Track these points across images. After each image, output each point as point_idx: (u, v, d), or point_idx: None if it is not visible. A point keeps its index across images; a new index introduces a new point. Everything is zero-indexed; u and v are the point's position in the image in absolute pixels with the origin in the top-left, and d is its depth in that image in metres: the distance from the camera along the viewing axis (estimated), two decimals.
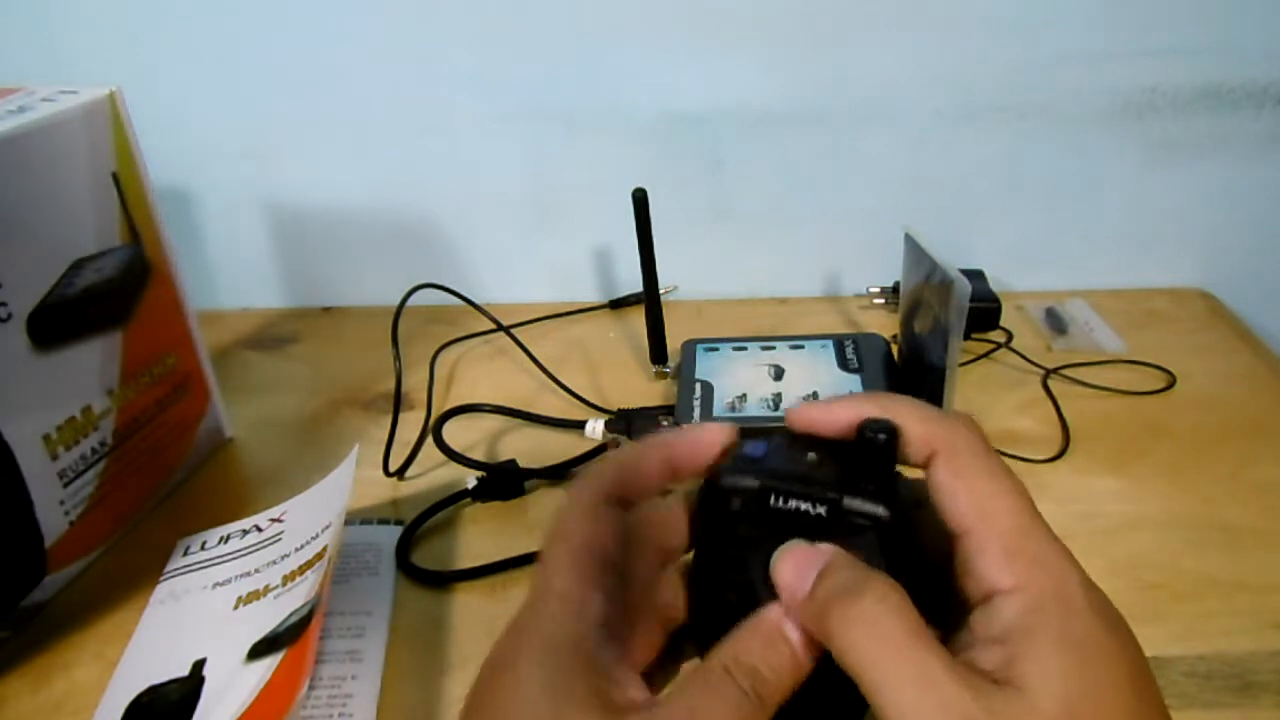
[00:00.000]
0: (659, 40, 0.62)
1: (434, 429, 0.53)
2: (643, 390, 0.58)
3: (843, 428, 0.29)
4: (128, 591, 0.44)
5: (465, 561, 0.45)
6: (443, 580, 0.44)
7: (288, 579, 0.42)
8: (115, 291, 0.46)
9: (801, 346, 0.56)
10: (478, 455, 0.52)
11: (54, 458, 0.42)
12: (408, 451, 0.52)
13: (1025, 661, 0.24)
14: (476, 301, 0.62)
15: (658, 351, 0.58)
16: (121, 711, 0.38)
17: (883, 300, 0.67)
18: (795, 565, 0.28)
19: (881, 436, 0.27)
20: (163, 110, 0.54)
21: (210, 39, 0.63)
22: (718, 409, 0.50)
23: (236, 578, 0.44)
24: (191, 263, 0.51)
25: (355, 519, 0.48)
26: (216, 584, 0.44)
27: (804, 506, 0.27)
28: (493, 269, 0.70)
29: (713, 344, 0.57)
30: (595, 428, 0.52)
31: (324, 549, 0.41)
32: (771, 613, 0.27)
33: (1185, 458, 0.50)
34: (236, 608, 0.42)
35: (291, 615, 0.39)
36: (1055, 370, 0.57)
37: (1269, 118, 0.62)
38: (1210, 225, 0.66)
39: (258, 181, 0.68)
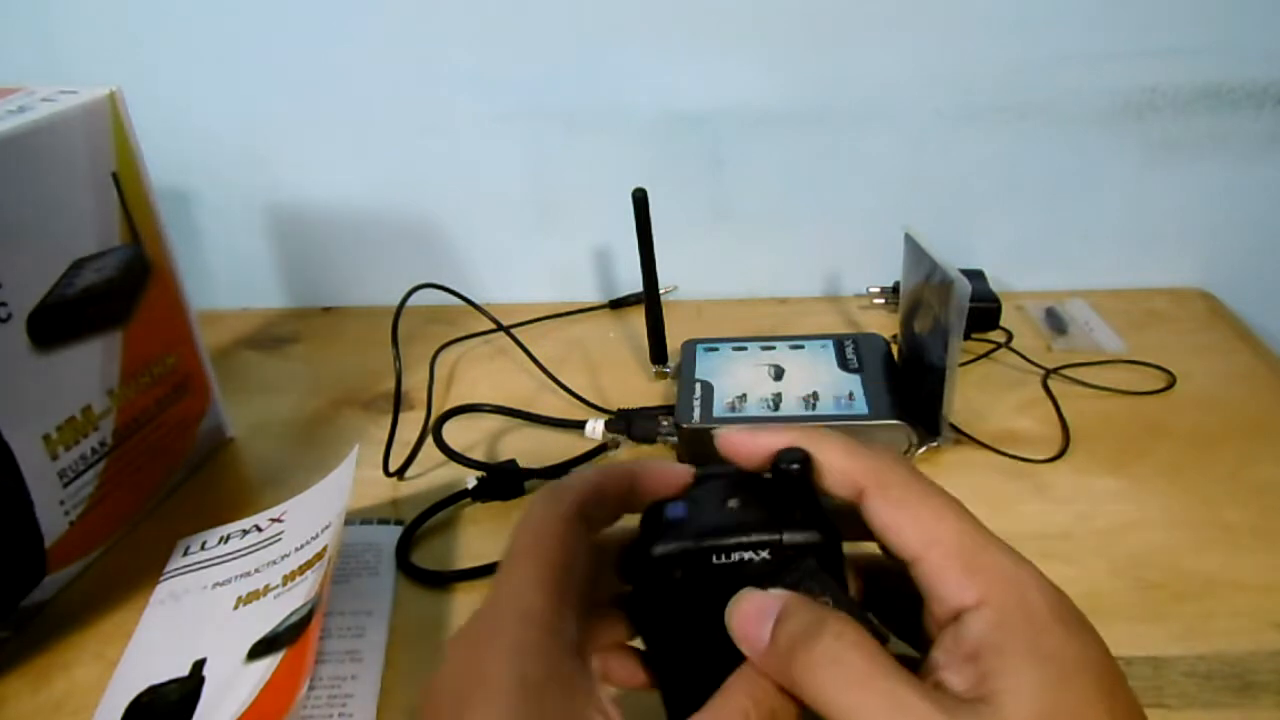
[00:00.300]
0: (659, 40, 0.62)
1: (434, 429, 0.53)
2: (643, 390, 0.58)
3: (764, 458, 0.29)
4: (128, 591, 0.44)
5: (465, 561, 0.45)
6: (443, 580, 0.44)
7: (288, 579, 0.42)
8: (115, 291, 0.46)
9: (801, 346, 0.56)
10: (478, 455, 0.52)
11: (54, 458, 0.42)
12: (408, 451, 0.52)
13: (997, 678, 0.24)
14: (476, 301, 0.62)
15: (658, 351, 0.58)
16: (121, 711, 0.38)
17: (883, 300, 0.67)
18: (750, 617, 0.27)
19: (795, 466, 0.27)
20: (163, 110, 0.54)
21: (210, 39, 0.63)
22: (718, 409, 0.50)
23: (236, 578, 0.44)
24: (191, 263, 0.51)
25: (355, 519, 0.48)
26: (216, 584, 0.44)
27: (747, 555, 0.27)
28: (493, 269, 0.70)
29: (713, 344, 0.57)
30: (595, 428, 0.52)
31: (324, 549, 0.41)
32: (747, 670, 0.26)
33: (1185, 458, 0.50)
34: (236, 608, 0.42)
35: (291, 615, 0.39)
36: (1055, 370, 0.57)
37: (1269, 118, 0.62)
38: (1210, 225, 0.66)
39: (258, 181, 0.68)
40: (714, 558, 0.27)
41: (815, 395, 0.51)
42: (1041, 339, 0.62)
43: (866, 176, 0.65)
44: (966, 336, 0.58)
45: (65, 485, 0.43)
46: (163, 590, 0.44)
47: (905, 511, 0.27)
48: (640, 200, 0.52)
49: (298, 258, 0.71)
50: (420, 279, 0.61)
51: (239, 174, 0.67)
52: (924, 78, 0.62)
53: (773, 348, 0.56)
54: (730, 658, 0.26)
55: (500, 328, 0.61)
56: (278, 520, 0.46)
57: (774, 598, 0.27)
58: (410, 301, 0.59)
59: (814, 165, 0.65)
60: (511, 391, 0.58)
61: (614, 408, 0.55)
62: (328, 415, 0.58)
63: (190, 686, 0.38)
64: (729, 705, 0.25)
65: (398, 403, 0.55)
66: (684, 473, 0.29)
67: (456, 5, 0.61)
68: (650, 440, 0.52)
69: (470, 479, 0.49)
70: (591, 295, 0.71)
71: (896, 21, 0.60)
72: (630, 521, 0.29)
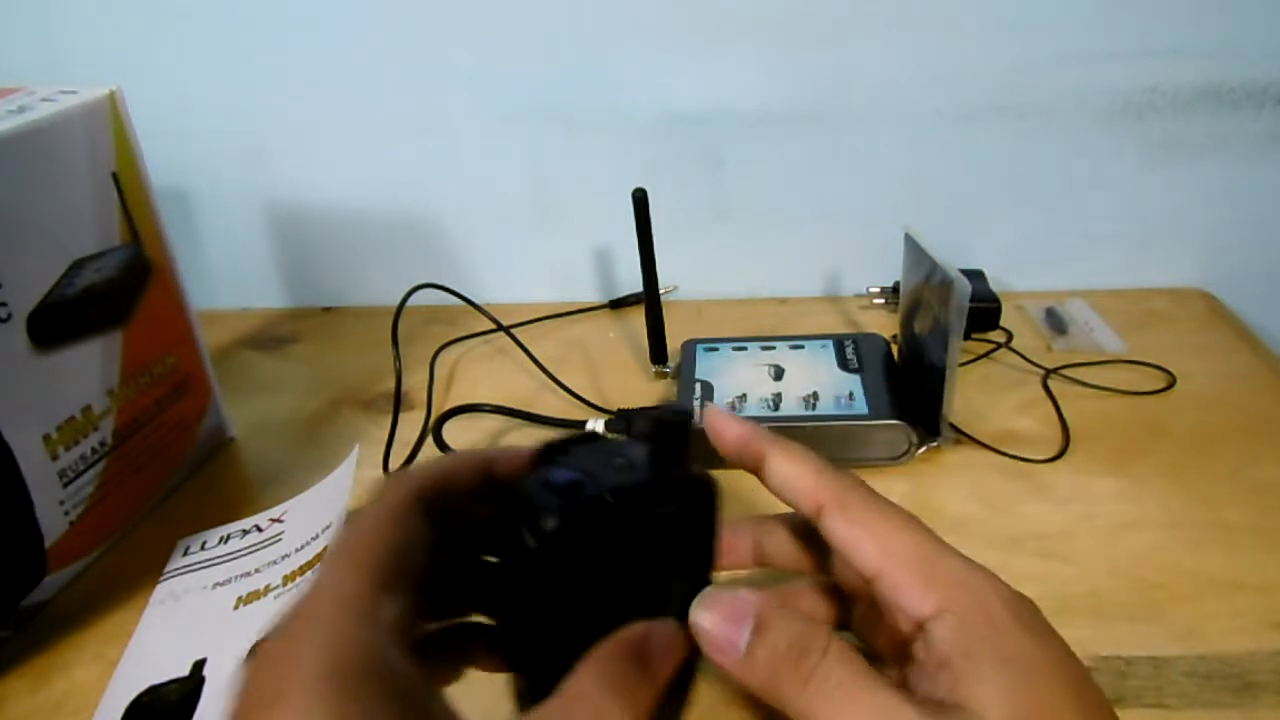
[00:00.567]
0: (659, 40, 0.62)
1: (434, 429, 0.53)
2: (643, 390, 0.58)
3: (747, 453, 0.31)
4: (128, 591, 0.44)
5: None
6: None
7: (288, 579, 0.42)
8: (115, 291, 0.46)
9: (801, 346, 0.56)
10: None
11: (54, 458, 0.42)
12: (408, 451, 0.52)
13: (970, 684, 0.25)
14: (476, 301, 0.62)
15: (658, 351, 0.58)
16: (121, 711, 0.38)
17: (883, 300, 0.67)
18: (722, 618, 0.27)
19: (675, 413, 0.26)
20: (163, 110, 0.54)
21: (210, 39, 0.63)
22: None
23: (237, 578, 0.44)
24: (191, 263, 0.51)
25: None
26: (217, 584, 0.44)
27: (658, 509, 0.26)
28: (493, 269, 0.70)
29: (713, 344, 0.57)
30: (595, 428, 0.52)
31: (324, 549, 0.41)
32: (600, 654, 0.25)
33: (1185, 458, 0.50)
34: (237, 608, 0.42)
35: None
36: (1055, 370, 0.57)
37: (1269, 118, 0.62)
38: (1210, 225, 0.66)
39: (258, 181, 0.68)
40: (624, 513, 0.25)
41: (815, 395, 0.51)
42: (1041, 339, 0.62)
43: (866, 176, 0.65)
44: (966, 336, 0.58)
45: (65, 485, 0.43)
46: (163, 590, 0.44)
47: (863, 528, 0.28)
48: (640, 200, 0.52)
49: (298, 258, 0.71)
50: (420, 279, 0.61)
51: (239, 174, 0.67)
52: (924, 78, 0.62)
53: (773, 348, 0.56)
54: (593, 635, 0.25)
55: (500, 328, 0.61)
56: (278, 520, 0.46)
57: (746, 601, 0.27)
58: (410, 301, 0.59)
59: (814, 165, 0.65)
60: (511, 391, 0.58)
61: (614, 408, 0.55)
62: (328, 415, 0.58)
63: (190, 686, 0.38)
64: (580, 690, 0.24)
65: (398, 403, 0.55)
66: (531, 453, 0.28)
67: (456, 5, 0.61)
68: None
69: None
70: (591, 295, 0.71)
71: (896, 21, 0.60)
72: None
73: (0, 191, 0.39)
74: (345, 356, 0.65)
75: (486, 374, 0.61)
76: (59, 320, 0.42)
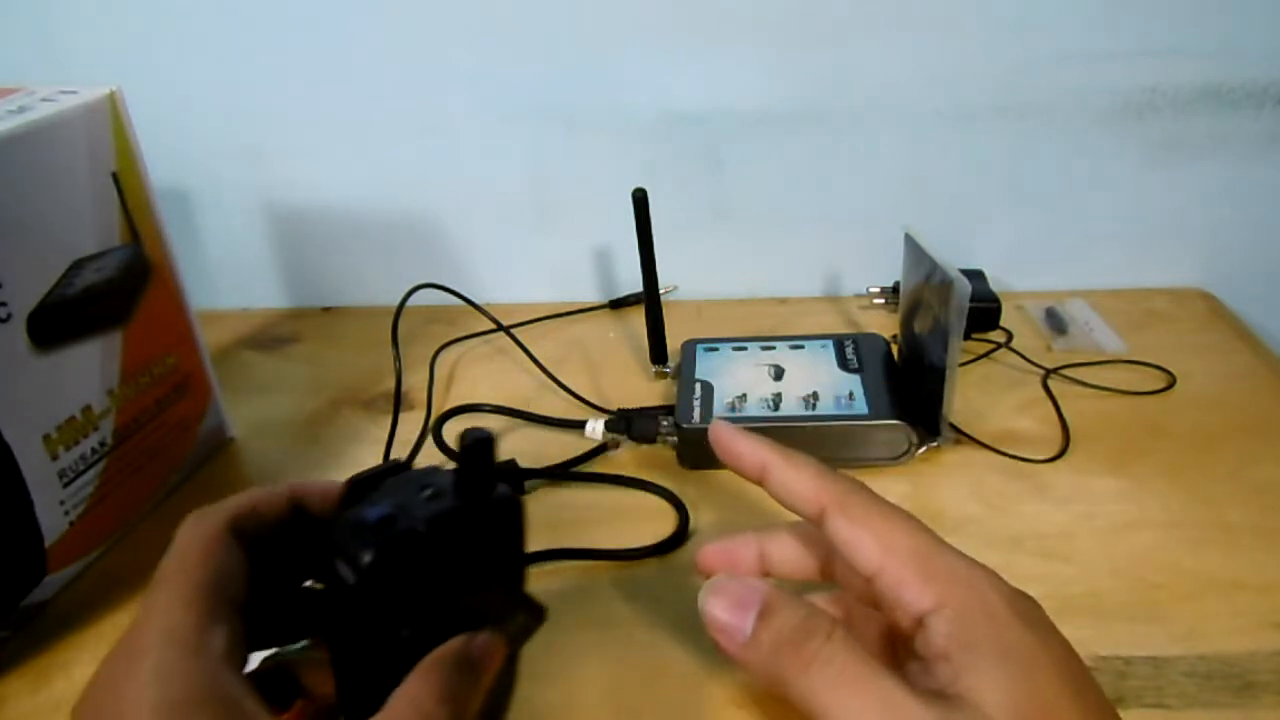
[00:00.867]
0: (659, 40, 0.62)
1: (434, 429, 0.53)
2: (643, 390, 0.58)
3: (748, 462, 0.31)
4: (128, 591, 0.44)
5: None
6: None
7: None
8: (115, 291, 0.46)
9: (801, 346, 0.56)
10: None
11: (54, 458, 0.42)
12: (408, 451, 0.52)
13: (968, 676, 0.25)
14: (476, 301, 0.62)
15: (658, 351, 0.58)
16: None
17: (883, 300, 0.67)
18: (729, 605, 0.29)
19: (475, 440, 0.27)
20: (163, 110, 0.54)
21: (210, 39, 0.63)
22: (718, 409, 0.50)
23: None
24: (191, 263, 0.51)
25: None
26: None
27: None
28: (493, 269, 0.70)
29: (713, 344, 0.57)
30: (595, 428, 0.52)
31: None
32: (415, 679, 0.26)
33: (1185, 458, 0.50)
34: None
35: None
36: (1055, 370, 0.57)
37: (1269, 118, 0.62)
38: (1210, 225, 0.66)
39: (258, 181, 0.68)
40: (433, 546, 0.27)
41: (815, 395, 0.51)
42: (1041, 339, 0.62)
43: (866, 176, 0.65)
44: (966, 336, 0.58)
45: (65, 485, 0.43)
46: None
47: (864, 527, 0.29)
48: (640, 200, 0.52)
49: (298, 258, 0.71)
50: (420, 279, 0.61)
51: (239, 174, 0.67)
52: (924, 78, 0.62)
53: (773, 348, 0.56)
54: (418, 654, 0.26)
55: (500, 328, 0.61)
56: None
57: (752, 589, 0.29)
58: (410, 301, 0.59)
59: (814, 165, 0.65)
60: (511, 391, 0.58)
61: (614, 408, 0.55)
62: (328, 415, 0.58)
63: None
64: (408, 695, 0.25)
65: (398, 403, 0.55)
66: (341, 487, 0.29)
67: (456, 5, 0.61)
68: (650, 440, 0.52)
69: None
70: (591, 295, 0.71)
71: (896, 21, 0.60)
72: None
73: (0, 191, 0.39)
74: (345, 356, 0.65)
75: (486, 374, 0.61)
76: (59, 320, 0.42)
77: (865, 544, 0.29)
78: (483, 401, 0.56)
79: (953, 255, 0.47)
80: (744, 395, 0.51)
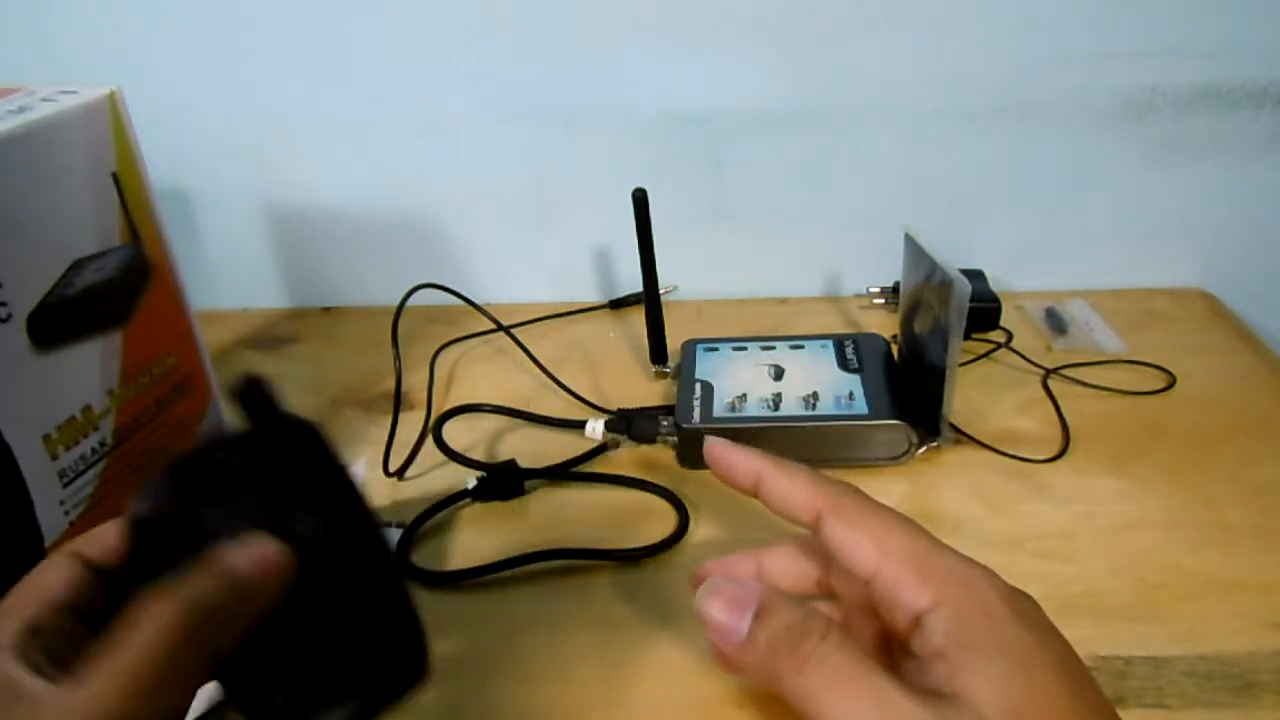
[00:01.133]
0: (659, 40, 0.62)
1: (434, 429, 0.53)
2: (643, 390, 0.58)
3: (742, 475, 0.32)
4: None
5: (465, 562, 0.45)
6: (443, 581, 0.44)
7: None
8: (115, 291, 0.46)
9: (801, 346, 0.56)
10: (478, 455, 0.52)
11: (54, 458, 0.42)
12: (408, 451, 0.52)
13: (965, 674, 0.25)
14: (476, 301, 0.62)
15: (658, 351, 0.58)
16: None
17: (883, 300, 0.67)
18: (726, 605, 0.29)
19: (245, 387, 0.28)
20: (163, 110, 0.54)
21: (210, 39, 0.63)
22: (718, 409, 0.50)
23: None
24: (191, 263, 0.51)
25: None
26: None
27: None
28: (493, 269, 0.70)
29: (713, 344, 0.57)
30: (595, 428, 0.52)
31: None
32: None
33: (1185, 458, 0.50)
34: None
35: None
36: (1055, 370, 0.57)
37: (1269, 118, 0.62)
38: (1210, 225, 0.66)
39: (258, 181, 0.68)
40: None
41: (815, 395, 0.51)
42: (1041, 339, 0.62)
43: (866, 176, 0.65)
44: (966, 336, 0.58)
45: (65, 485, 0.43)
46: None
47: (860, 530, 0.29)
48: (640, 200, 0.52)
49: (298, 258, 0.71)
50: (420, 279, 0.61)
51: (239, 174, 0.67)
52: (924, 78, 0.62)
53: (773, 348, 0.56)
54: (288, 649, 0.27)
55: (500, 328, 0.61)
56: None
57: (750, 590, 0.29)
58: (410, 301, 0.59)
59: (814, 165, 0.65)
60: (511, 391, 0.58)
61: (614, 408, 0.55)
62: (328, 415, 0.58)
63: None
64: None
65: (398, 403, 0.55)
66: (114, 530, 0.29)
67: (456, 5, 0.61)
68: (650, 440, 0.52)
69: (470, 479, 0.49)
70: (591, 295, 0.71)
71: (896, 21, 0.60)
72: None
73: (0, 191, 0.39)
74: (345, 356, 0.64)
75: (486, 374, 0.61)
76: (59, 320, 0.42)
77: (861, 546, 0.29)
78: (483, 401, 0.56)
79: (953, 255, 0.47)
80: (744, 395, 0.51)
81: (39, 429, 0.41)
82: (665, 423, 0.51)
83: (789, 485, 0.31)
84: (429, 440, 0.53)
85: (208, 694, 0.28)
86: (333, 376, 0.62)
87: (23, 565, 0.42)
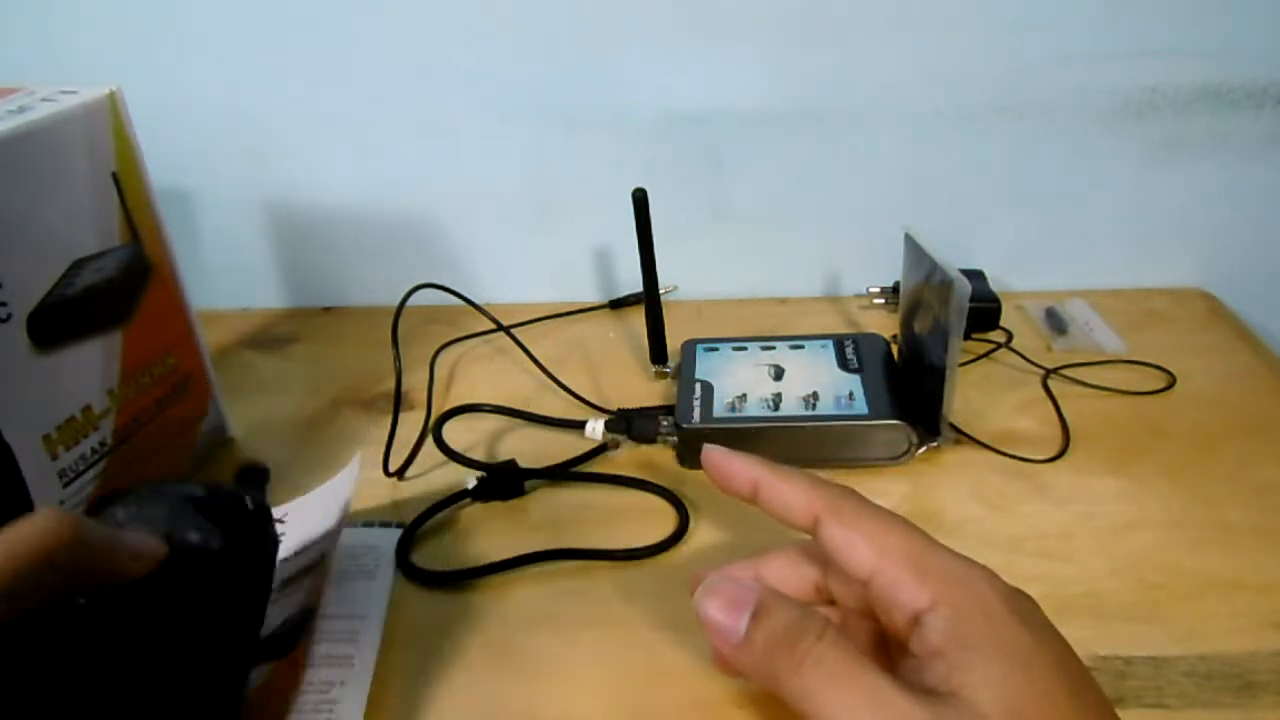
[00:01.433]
0: (659, 40, 0.62)
1: (434, 429, 0.53)
2: (643, 390, 0.58)
3: (740, 482, 0.32)
4: None
5: (465, 562, 0.45)
6: (443, 581, 0.44)
7: (286, 584, 0.42)
8: (115, 291, 0.46)
9: (801, 346, 0.56)
10: (478, 455, 0.52)
11: (54, 458, 0.42)
12: (408, 451, 0.52)
13: (964, 671, 0.25)
14: (476, 301, 0.62)
15: (658, 351, 0.58)
16: None
17: (883, 300, 0.67)
18: (724, 605, 0.29)
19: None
20: (163, 110, 0.54)
21: (210, 39, 0.63)
22: (718, 409, 0.50)
23: None
24: (191, 263, 0.51)
25: (356, 520, 0.48)
26: None
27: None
28: (493, 269, 0.70)
29: (713, 344, 0.57)
30: (595, 428, 0.52)
31: (322, 556, 0.41)
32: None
33: (1185, 458, 0.50)
34: None
35: (284, 624, 0.39)
36: (1055, 370, 0.57)
37: (1269, 118, 0.62)
38: (1210, 225, 0.66)
39: (258, 181, 0.68)
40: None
41: (815, 395, 0.51)
42: (1041, 339, 0.62)
43: (866, 176, 0.65)
44: (966, 336, 0.58)
45: (65, 485, 0.43)
46: None
47: (858, 531, 0.29)
48: (640, 200, 0.52)
49: (298, 258, 0.71)
50: (420, 279, 0.61)
51: (239, 174, 0.67)
52: (924, 78, 0.62)
53: (773, 348, 0.56)
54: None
55: (500, 328, 0.61)
56: (279, 521, 0.46)
57: (748, 590, 0.29)
58: (410, 301, 0.59)
59: (814, 165, 0.65)
60: (511, 391, 0.58)
61: (614, 408, 0.55)
62: (328, 415, 0.58)
63: None
64: None
65: (398, 403, 0.55)
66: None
67: (456, 5, 0.61)
68: (650, 440, 0.52)
69: (470, 479, 0.49)
70: (591, 295, 0.71)
71: (896, 21, 0.60)
72: None
73: (0, 191, 0.39)
74: (345, 356, 0.64)
75: (486, 374, 0.61)
76: (59, 320, 0.42)
77: (859, 547, 0.29)
78: (483, 401, 0.56)
79: (953, 255, 0.47)
80: (744, 395, 0.51)
81: (39, 429, 0.41)
82: (665, 423, 0.51)
83: (787, 490, 0.31)
84: (429, 440, 0.53)
85: None
86: (333, 376, 0.62)
87: None
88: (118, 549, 0.28)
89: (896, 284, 0.60)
